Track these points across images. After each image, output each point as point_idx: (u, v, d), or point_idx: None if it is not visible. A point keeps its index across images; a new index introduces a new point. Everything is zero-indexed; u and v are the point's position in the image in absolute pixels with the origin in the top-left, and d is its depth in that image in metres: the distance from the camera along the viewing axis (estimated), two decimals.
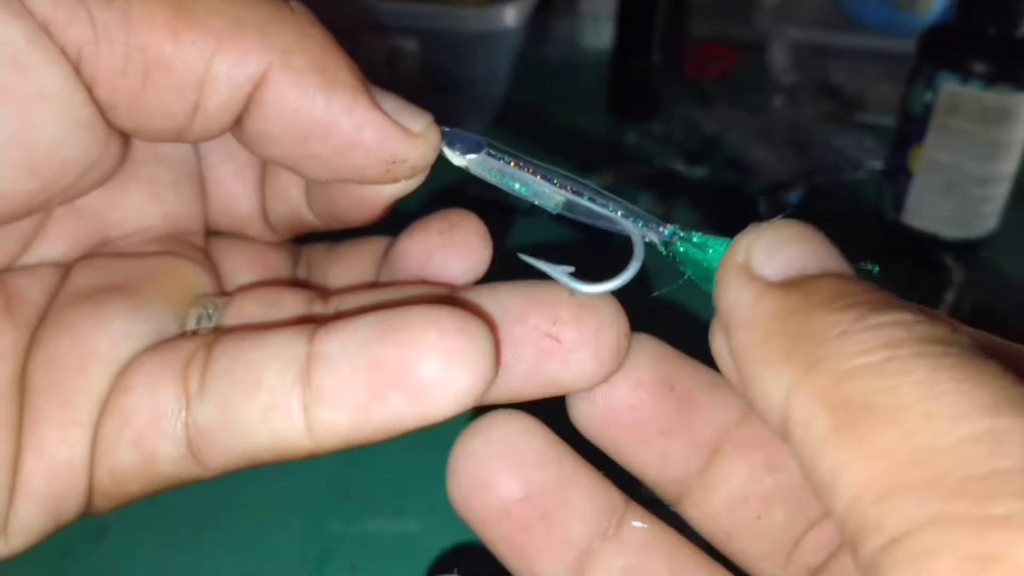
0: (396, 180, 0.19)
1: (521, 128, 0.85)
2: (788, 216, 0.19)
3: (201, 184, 0.23)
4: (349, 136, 0.18)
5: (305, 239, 0.24)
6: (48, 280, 0.20)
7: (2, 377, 0.18)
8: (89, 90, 0.17)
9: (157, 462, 0.18)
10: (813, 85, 0.89)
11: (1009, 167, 0.60)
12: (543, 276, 0.20)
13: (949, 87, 0.58)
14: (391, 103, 0.19)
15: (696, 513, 0.22)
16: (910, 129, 0.62)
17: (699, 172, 0.77)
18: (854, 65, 0.88)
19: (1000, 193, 0.62)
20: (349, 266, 0.23)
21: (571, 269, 0.19)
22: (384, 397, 0.17)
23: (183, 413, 0.18)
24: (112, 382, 0.19)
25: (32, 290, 0.20)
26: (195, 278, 0.22)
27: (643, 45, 0.86)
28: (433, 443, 0.47)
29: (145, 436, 0.18)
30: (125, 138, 0.19)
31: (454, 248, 0.21)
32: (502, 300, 0.20)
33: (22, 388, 0.18)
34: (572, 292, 0.19)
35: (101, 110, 0.17)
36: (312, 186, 0.22)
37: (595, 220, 0.20)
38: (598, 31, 1.00)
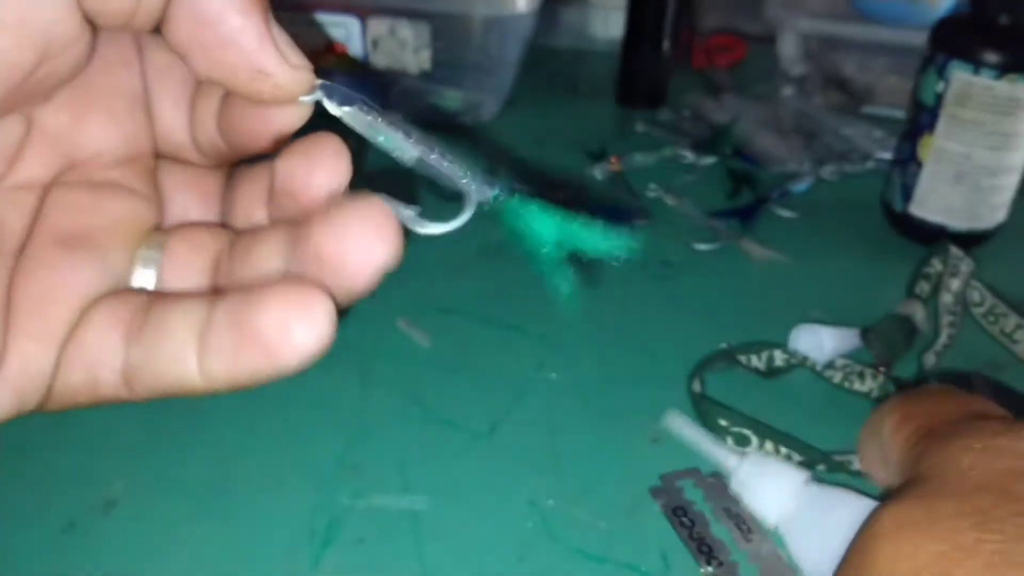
0: (261, 94, 0.23)
1: (530, 115, 0.85)
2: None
3: (148, 113, 0.27)
4: (230, 33, 0.22)
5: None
6: (26, 208, 0.25)
7: None
8: None
9: (99, 384, 0.23)
10: (822, 76, 0.88)
11: (1020, 158, 0.60)
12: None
13: (960, 77, 0.58)
14: (281, 34, 0.23)
15: None
16: (920, 119, 0.62)
17: (707, 161, 0.77)
18: (863, 57, 0.88)
19: (1010, 184, 0.61)
20: (255, 184, 0.27)
21: (416, 209, 0.23)
22: (246, 352, 0.21)
23: (121, 352, 0.23)
24: (79, 314, 0.24)
25: (14, 220, 0.24)
26: (146, 216, 0.26)
27: (653, 35, 0.86)
28: (440, 423, 0.47)
29: (94, 363, 0.23)
30: (91, 32, 0.23)
31: (313, 165, 0.24)
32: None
33: (8, 304, 0.23)
34: (412, 229, 0.23)
35: None
36: (220, 114, 0.26)
37: (440, 176, 0.24)
38: (608, 20, 1.00)
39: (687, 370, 0.51)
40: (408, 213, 0.23)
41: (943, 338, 0.53)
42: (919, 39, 0.63)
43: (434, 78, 0.79)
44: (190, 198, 0.28)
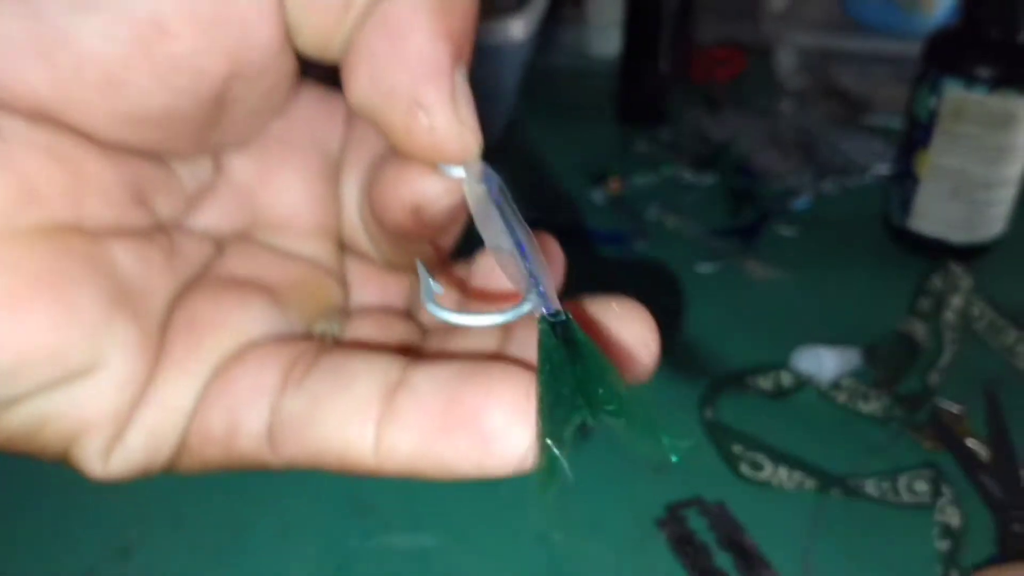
0: (410, 133, 0.19)
1: (530, 138, 0.85)
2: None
3: (338, 185, 0.24)
4: (407, 49, 0.18)
5: None
6: (206, 250, 0.22)
7: (156, 309, 0.20)
8: None
9: (239, 434, 0.19)
10: (820, 88, 0.89)
11: (1015, 170, 0.60)
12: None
13: (953, 92, 0.59)
14: (465, 89, 0.19)
15: None
16: (916, 134, 0.62)
17: (708, 179, 0.77)
18: (861, 68, 0.89)
19: (1007, 197, 0.62)
20: (447, 288, 0.24)
21: (439, 289, 0.20)
22: (449, 433, 0.17)
23: (275, 397, 0.19)
24: (234, 351, 0.20)
25: (192, 254, 0.22)
26: (329, 291, 0.23)
27: (650, 52, 0.87)
28: None
29: (237, 406, 0.19)
30: (291, 61, 0.20)
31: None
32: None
33: (164, 329, 0.20)
34: (426, 307, 0.19)
35: None
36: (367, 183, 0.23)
37: (510, 273, 0.20)
38: (606, 38, 1.00)
39: (691, 394, 0.52)
40: (427, 287, 0.20)
41: (946, 355, 0.54)
42: (915, 48, 0.63)
43: None
44: (370, 293, 0.25)
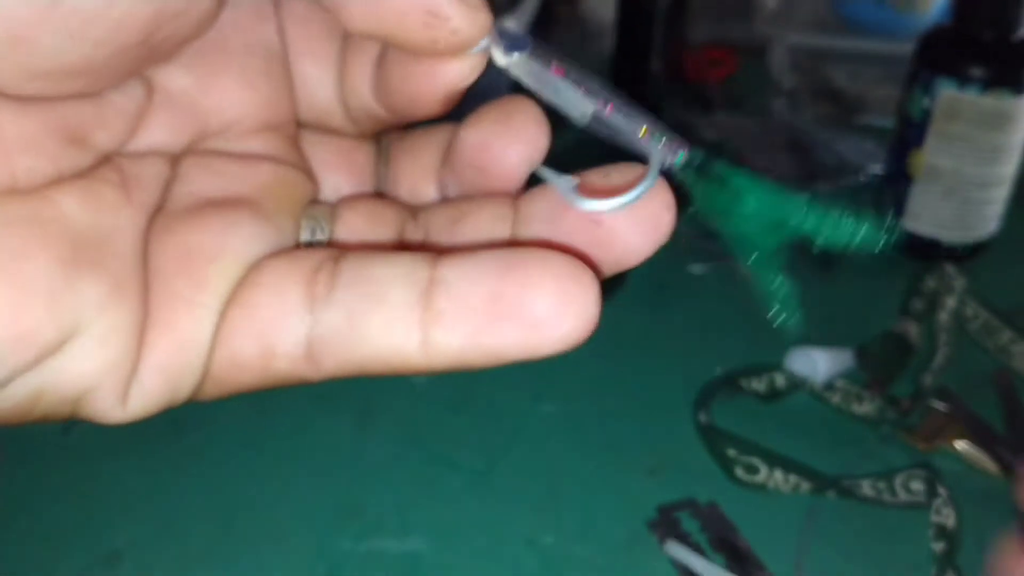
0: (435, 44, 0.19)
1: None
2: None
3: (288, 74, 0.23)
4: None
5: None
6: (159, 170, 0.21)
7: (125, 248, 0.19)
8: None
9: (275, 357, 0.19)
10: (813, 89, 0.89)
11: (1009, 170, 0.60)
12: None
13: (946, 93, 0.59)
14: None
15: None
16: (909, 134, 0.62)
17: None
18: (853, 68, 0.88)
19: (1000, 196, 0.62)
20: (420, 156, 0.24)
21: (575, 181, 0.19)
22: (496, 327, 0.18)
23: (307, 316, 0.19)
24: (241, 276, 0.20)
25: (146, 177, 0.20)
26: (301, 186, 0.22)
27: (643, 52, 0.87)
28: (438, 462, 0.48)
29: (268, 331, 0.19)
30: None
31: (510, 136, 0.21)
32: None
33: (144, 266, 0.19)
34: (573, 204, 0.19)
35: None
36: (376, 75, 0.22)
37: (617, 136, 0.19)
38: (599, 38, 1.00)
39: (684, 396, 0.51)
40: (565, 184, 0.19)
41: (940, 357, 0.53)
42: (908, 48, 0.63)
43: None
44: (340, 175, 0.24)
